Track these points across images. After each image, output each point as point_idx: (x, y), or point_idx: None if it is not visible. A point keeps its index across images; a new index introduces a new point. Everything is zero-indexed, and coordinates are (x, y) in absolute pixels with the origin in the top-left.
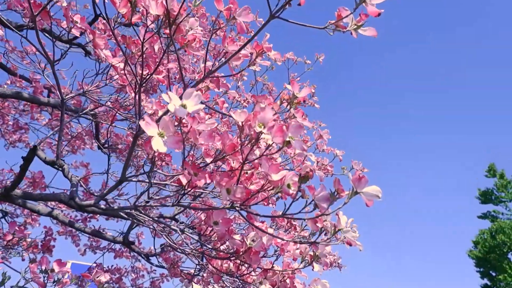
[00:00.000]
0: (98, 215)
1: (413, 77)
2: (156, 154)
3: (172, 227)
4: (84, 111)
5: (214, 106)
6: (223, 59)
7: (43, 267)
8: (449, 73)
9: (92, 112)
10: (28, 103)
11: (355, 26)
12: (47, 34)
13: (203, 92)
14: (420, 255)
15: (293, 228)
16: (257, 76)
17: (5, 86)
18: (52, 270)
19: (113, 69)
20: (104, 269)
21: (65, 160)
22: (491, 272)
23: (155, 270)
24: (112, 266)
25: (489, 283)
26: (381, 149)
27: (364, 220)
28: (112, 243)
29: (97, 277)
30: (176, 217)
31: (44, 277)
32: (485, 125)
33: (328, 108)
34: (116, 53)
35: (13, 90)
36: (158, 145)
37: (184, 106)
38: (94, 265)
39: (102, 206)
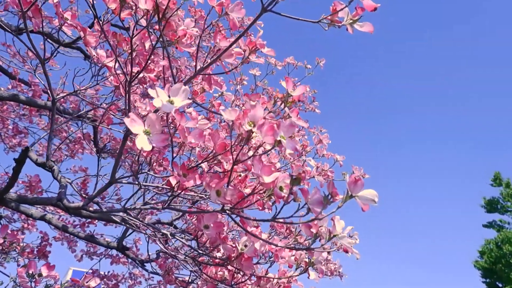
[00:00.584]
0: (96, 221)
1: (413, 78)
2: (152, 158)
3: (163, 231)
4: (78, 113)
5: (212, 109)
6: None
7: (31, 271)
8: (451, 73)
9: (88, 115)
10: (27, 107)
11: (351, 21)
12: (48, 39)
13: (199, 93)
14: (425, 265)
15: (292, 234)
16: (257, 81)
17: (2, 88)
18: (40, 275)
19: (107, 69)
20: (101, 275)
21: (63, 164)
22: (497, 283)
23: (153, 277)
24: (108, 272)
25: None
26: (383, 157)
27: (367, 229)
28: (109, 249)
29: (86, 282)
30: (175, 223)
31: (31, 281)
32: (491, 132)
33: (329, 113)
34: (112, 54)
35: (10, 93)
36: (143, 143)
37: (171, 102)
38: (90, 271)
39: (91, 209)
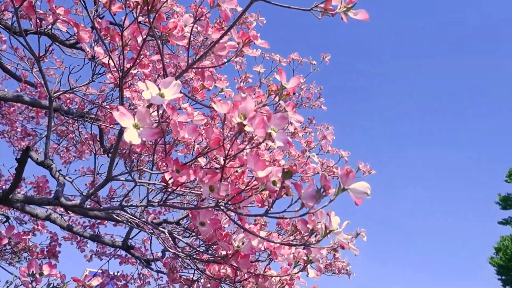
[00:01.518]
0: (106, 221)
1: (425, 76)
2: (156, 157)
3: (161, 229)
4: (79, 113)
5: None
6: (212, 55)
7: (31, 271)
8: (465, 72)
9: (91, 115)
10: (34, 109)
11: (345, 9)
12: (53, 40)
13: (198, 90)
14: (440, 263)
15: (298, 233)
16: (262, 78)
17: (6, 90)
18: (41, 274)
19: (104, 66)
20: (110, 275)
21: (71, 165)
22: None
23: (162, 277)
24: (118, 272)
25: None
26: (393, 155)
27: (381, 229)
28: (119, 249)
29: (88, 281)
30: (181, 222)
31: (32, 280)
32: (506, 126)
33: (334, 107)
34: (113, 53)
35: (14, 94)
36: (132, 136)
37: (161, 95)
38: (100, 271)
39: (89, 206)
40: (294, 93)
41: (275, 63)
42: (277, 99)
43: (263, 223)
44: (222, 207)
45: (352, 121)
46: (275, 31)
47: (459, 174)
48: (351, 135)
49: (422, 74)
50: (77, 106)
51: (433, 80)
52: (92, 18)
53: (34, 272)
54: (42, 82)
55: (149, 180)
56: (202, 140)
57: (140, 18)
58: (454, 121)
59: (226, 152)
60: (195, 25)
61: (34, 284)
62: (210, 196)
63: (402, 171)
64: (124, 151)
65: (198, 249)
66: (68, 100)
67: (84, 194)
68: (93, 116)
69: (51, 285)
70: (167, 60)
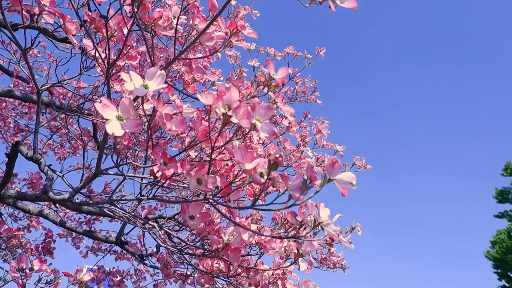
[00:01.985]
0: (102, 217)
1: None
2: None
3: (151, 223)
4: (69, 107)
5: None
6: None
7: (21, 266)
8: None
9: (79, 109)
10: (27, 104)
11: None
12: (49, 37)
13: (190, 83)
14: (436, 257)
15: (293, 227)
16: (256, 72)
17: None
18: (32, 269)
19: (93, 58)
20: (106, 271)
21: (66, 161)
22: (509, 273)
23: (158, 273)
24: (113, 268)
25: (507, 285)
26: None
27: (379, 223)
28: (114, 246)
29: (78, 276)
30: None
31: (21, 276)
32: (502, 121)
33: (330, 101)
34: (101, 44)
35: (5, 89)
36: (114, 128)
37: (145, 86)
38: (96, 267)
39: (77, 201)
40: (283, 84)
41: (270, 57)
42: (266, 90)
43: (259, 218)
44: (210, 200)
45: (351, 116)
46: (273, 27)
47: (457, 168)
48: (349, 129)
49: (420, 66)
50: (70, 101)
51: (433, 68)
52: (76, 8)
53: (24, 267)
54: (29, 75)
55: (142, 174)
56: (195, 133)
57: (126, 8)
58: (453, 115)
59: (213, 143)
60: (185, 17)
61: (24, 279)
62: (198, 189)
63: (400, 166)
64: (116, 145)
65: (192, 243)
66: (62, 96)
67: (74, 188)
68: (84, 110)
69: (42, 280)
70: (162, 55)
